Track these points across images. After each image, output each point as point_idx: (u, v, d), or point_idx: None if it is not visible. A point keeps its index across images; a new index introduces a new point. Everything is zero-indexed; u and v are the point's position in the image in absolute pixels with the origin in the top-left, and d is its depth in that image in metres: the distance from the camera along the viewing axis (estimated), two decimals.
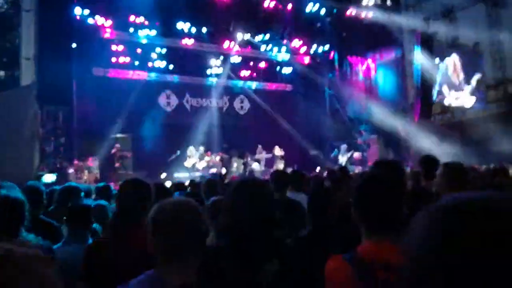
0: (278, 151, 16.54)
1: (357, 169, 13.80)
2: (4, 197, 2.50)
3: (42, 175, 10.51)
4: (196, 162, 15.08)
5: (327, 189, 3.48)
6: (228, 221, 1.90)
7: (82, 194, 4.08)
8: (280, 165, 15.83)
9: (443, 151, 14.08)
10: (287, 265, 1.80)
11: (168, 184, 10.38)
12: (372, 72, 18.63)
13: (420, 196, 3.35)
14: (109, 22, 14.77)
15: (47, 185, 6.56)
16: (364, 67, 18.89)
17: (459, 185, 2.81)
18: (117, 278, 1.80)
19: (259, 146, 16.45)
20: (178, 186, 5.49)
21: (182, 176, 14.08)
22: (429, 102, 17.52)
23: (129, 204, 2.08)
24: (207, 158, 15.37)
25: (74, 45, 12.26)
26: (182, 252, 1.46)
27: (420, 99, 17.02)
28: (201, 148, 15.33)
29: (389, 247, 1.62)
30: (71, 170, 12.10)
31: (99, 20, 14.51)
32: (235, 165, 16.15)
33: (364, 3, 15.96)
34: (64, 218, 2.99)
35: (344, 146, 16.99)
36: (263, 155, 16.39)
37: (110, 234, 2.17)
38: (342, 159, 16.55)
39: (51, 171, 11.41)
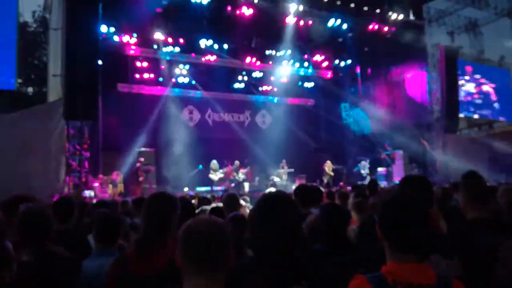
0: (329, 167, 16.49)
1: (382, 184, 13.60)
2: (28, 210, 2.54)
3: (82, 190, 10.74)
4: (224, 175, 15.19)
5: (340, 207, 3.42)
6: (254, 235, 1.88)
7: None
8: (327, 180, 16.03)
9: (470, 166, 13.78)
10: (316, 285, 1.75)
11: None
12: (396, 86, 18.44)
13: (450, 214, 3.26)
14: (133, 40, 15.13)
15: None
16: (387, 81, 18.73)
17: (480, 201, 2.69)
18: None
19: (284, 161, 16.41)
20: (202, 200, 5.49)
21: (204, 190, 14.14)
22: (455, 117, 17.21)
23: (156, 218, 2.10)
24: (234, 172, 15.49)
25: (100, 62, 12.53)
26: (209, 269, 1.48)
27: (445, 114, 16.72)
28: (237, 162, 15.46)
29: (413, 267, 1.60)
30: (96, 184, 12.28)
31: (124, 37, 14.86)
32: (256, 179, 16.15)
33: (387, 17, 15.88)
34: (93, 232, 3.00)
35: (364, 162, 16.83)
36: (285, 169, 16.32)
37: (135, 249, 2.17)
38: (364, 173, 16.42)
39: (76, 186, 11.61)
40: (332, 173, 16.48)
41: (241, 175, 15.31)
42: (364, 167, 16.72)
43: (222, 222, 1.60)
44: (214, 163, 15.22)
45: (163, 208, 2.21)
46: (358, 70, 19.39)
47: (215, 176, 14.97)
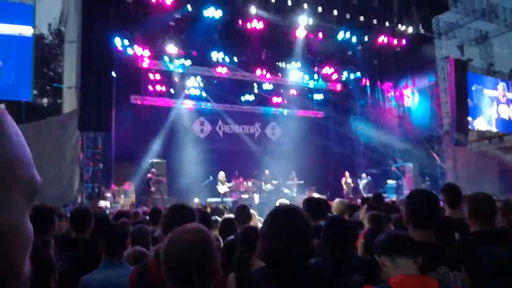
0: (348, 178, 16.58)
1: (392, 198, 13.57)
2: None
3: (98, 201, 10.93)
4: (232, 187, 15.32)
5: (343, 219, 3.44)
6: (265, 248, 1.90)
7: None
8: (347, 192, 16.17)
9: (480, 179, 13.73)
10: None
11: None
12: (405, 99, 18.48)
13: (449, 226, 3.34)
14: (146, 52, 15.40)
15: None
16: (397, 93, 18.78)
17: (483, 216, 2.76)
18: None
19: (293, 173, 16.47)
20: (215, 211, 5.59)
21: (215, 201, 14.19)
22: (465, 130, 17.15)
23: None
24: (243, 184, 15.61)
25: (113, 74, 12.77)
26: (192, 284, 1.49)
27: (455, 127, 16.67)
28: (267, 172, 15.80)
29: (418, 279, 1.71)
30: (108, 194, 12.46)
31: (138, 50, 15.14)
32: (266, 191, 16.19)
33: (396, 30, 15.98)
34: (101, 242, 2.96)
35: (364, 175, 16.86)
36: (295, 181, 16.36)
37: (155, 260, 2.22)
38: (361, 187, 16.42)
39: (89, 196, 11.80)
40: (351, 184, 16.56)
41: (269, 186, 15.45)
42: (361, 180, 16.73)
43: (204, 233, 1.60)
44: (221, 174, 15.30)
45: (182, 219, 2.27)
46: (367, 82, 19.47)
47: (221, 188, 15.05)
